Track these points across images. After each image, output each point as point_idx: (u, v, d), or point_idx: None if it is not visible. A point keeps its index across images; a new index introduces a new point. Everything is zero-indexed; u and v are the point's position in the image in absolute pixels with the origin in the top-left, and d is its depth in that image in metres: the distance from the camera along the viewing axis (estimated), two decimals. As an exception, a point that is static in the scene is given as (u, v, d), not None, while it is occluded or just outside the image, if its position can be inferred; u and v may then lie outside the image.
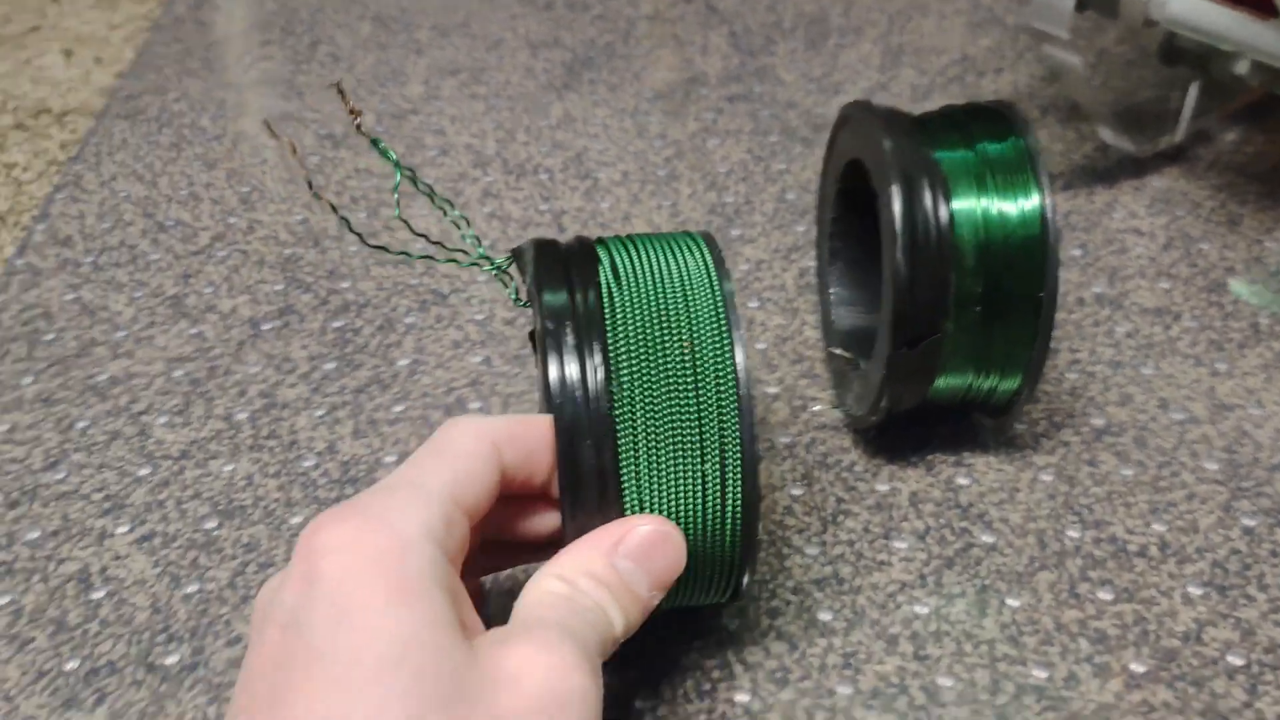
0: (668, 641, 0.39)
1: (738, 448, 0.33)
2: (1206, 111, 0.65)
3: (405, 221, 0.33)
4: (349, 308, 0.54)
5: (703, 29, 0.77)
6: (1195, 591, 0.41)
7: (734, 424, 0.33)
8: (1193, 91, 0.62)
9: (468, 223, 0.35)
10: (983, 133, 0.42)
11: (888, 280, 0.40)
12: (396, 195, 0.33)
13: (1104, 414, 0.48)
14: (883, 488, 0.45)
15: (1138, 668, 0.38)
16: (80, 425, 0.48)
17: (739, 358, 0.33)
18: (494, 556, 0.37)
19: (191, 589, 0.41)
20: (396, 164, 0.33)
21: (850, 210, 0.48)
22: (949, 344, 0.41)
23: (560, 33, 0.77)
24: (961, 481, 0.45)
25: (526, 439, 0.33)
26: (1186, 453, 0.46)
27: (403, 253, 0.35)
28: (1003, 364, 0.42)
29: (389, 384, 0.50)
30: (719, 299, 0.34)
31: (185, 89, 0.70)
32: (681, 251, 0.35)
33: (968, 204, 0.41)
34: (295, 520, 0.44)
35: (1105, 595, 0.41)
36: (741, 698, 0.38)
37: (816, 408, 0.48)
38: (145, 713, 0.37)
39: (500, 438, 0.33)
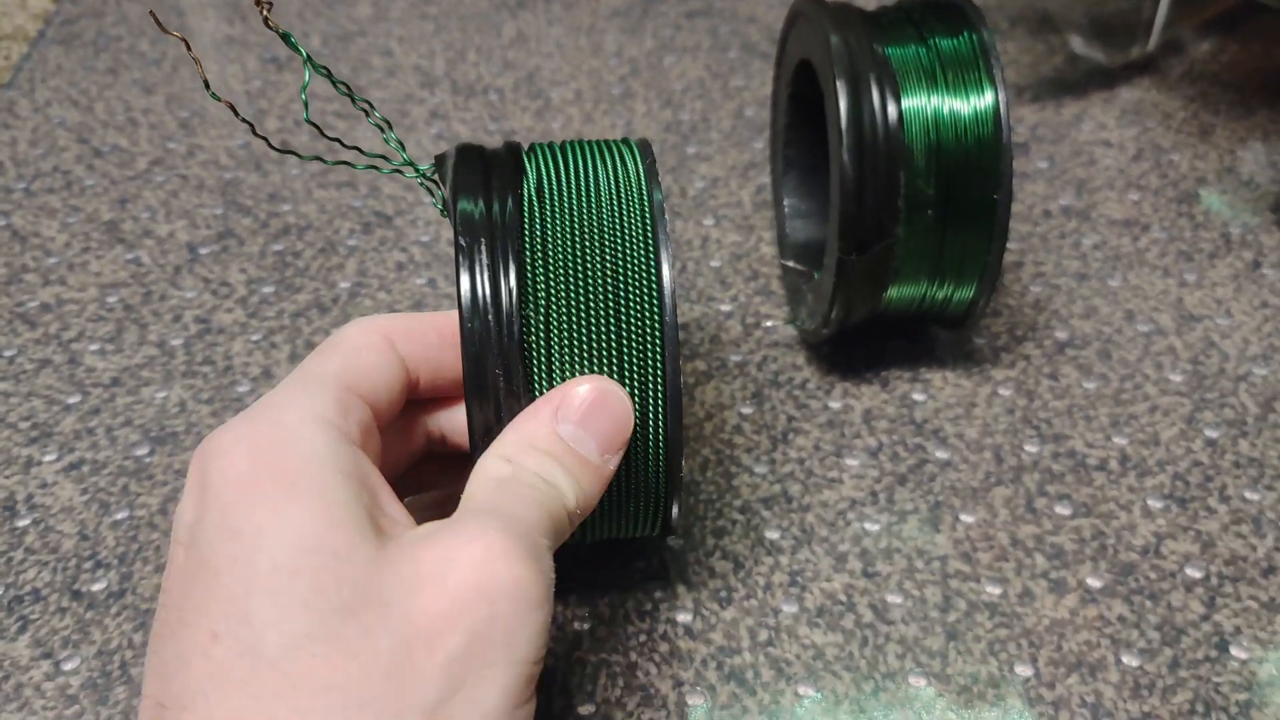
0: (608, 561, 0.38)
1: (660, 376, 0.30)
2: (1179, 21, 0.63)
3: (315, 125, 0.31)
4: (289, 230, 0.52)
5: (663, -55, 0.75)
6: (1155, 505, 0.39)
7: (657, 350, 0.30)
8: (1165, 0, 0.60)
9: (390, 126, 0.33)
10: (936, 28, 0.40)
11: (835, 182, 0.38)
12: (305, 97, 0.31)
13: (1068, 327, 0.46)
14: (835, 405, 0.43)
15: (1094, 582, 0.37)
16: (8, 354, 0.46)
17: (665, 277, 0.30)
18: (440, 472, 0.35)
19: (121, 515, 0.40)
20: (307, 59, 0.31)
21: (803, 118, 0.47)
22: (901, 250, 0.39)
23: (516, -50, 0.74)
24: (917, 397, 0.44)
25: (424, 334, 0.31)
26: (1151, 364, 0.45)
27: (316, 157, 0.33)
28: (958, 271, 0.40)
29: (329, 307, 0.48)
30: (647, 211, 0.31)
31: (124, 12, 0.68)
32: (613, 158, 0.33)
33: (918, 102, 0.39)
34: (229, 446, 0.42)
35: (1063, 510, 0.39)
36: (683, 617, 0.36)
37: (770, 324, 0.47)
38: (69, 640, 0.36)
39: (394, 330, 0.31)
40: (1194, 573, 0.37)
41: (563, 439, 0.29)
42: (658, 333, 0.30)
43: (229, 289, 0.49)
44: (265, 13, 0.30)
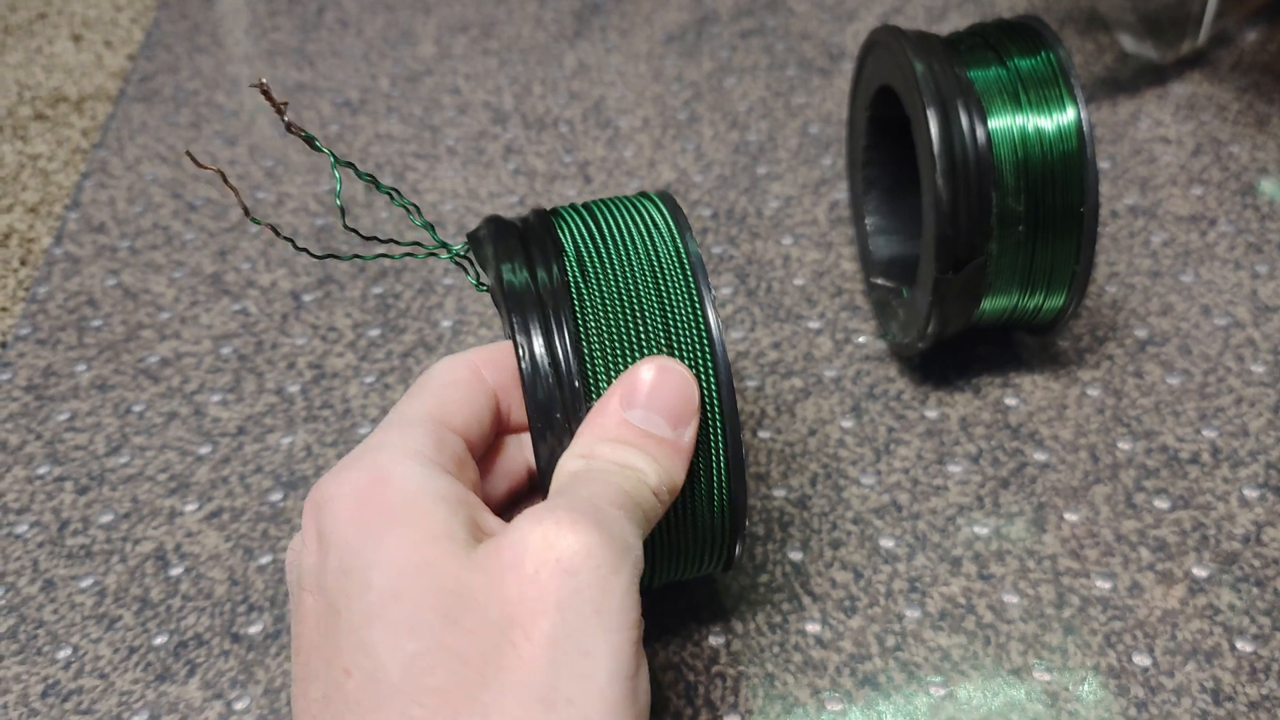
0: (736, 576, 0.40)
1: (719, 420, 0.32)
2: (1226, 13, 0.64)
3: (354, 229, 0.33)
4: (387, 273, 0.54)
5: (709, -34, 0.77)
6: (1251, 494, 0.41)
7: (714, 396, 0.32)
8: (1213, -7, 0.61)
9: (418, 210, 0.34)
10: (1014, 49, 0.42)
11: (929, 205, 0.40)
12: (339, 202, 0.32)
13: (1146, 325, 0.48)
14: (932, 414, 0.45)
15: (1200, 572, 0.39)
16: (137, 409, 0.48)
17: (713, 325, 0.32)
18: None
19: (264, 560, 0.42)
20: (334, 160, 0.32)
21: (882, 137, 0.48)
22: (994, 265, 0.41)
23: (567, -19, 0.76)
24: (1010, 402, 0.46)
25: (510, 362, 0.33)
26: (1232, 357, 0.46)
27: (356, 255, 0.34)
28: (1047, 281, 0.42)
29: (434, 346, 0.50)
30: (686, 263, 0.33)
31: (198, 66, 0.70)
32: (643, 218, 0.34)
33: (1004, 122, 0.41)
34: (357, 486, 0.44)
35: (1162, 504, 0.41)
36: (812, 628, 0.38)
37: (860, 339, 0.49)
38: (237, 680, 0.38)
39: (479, 360, 0.33)
40: (1297, 559, 0.39)
41: (633, 424, 0.30)
42: (713, 379, 0.32)
43: (337, 334, 0.51)
44: (285, 117, 0.30)
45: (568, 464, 0.30)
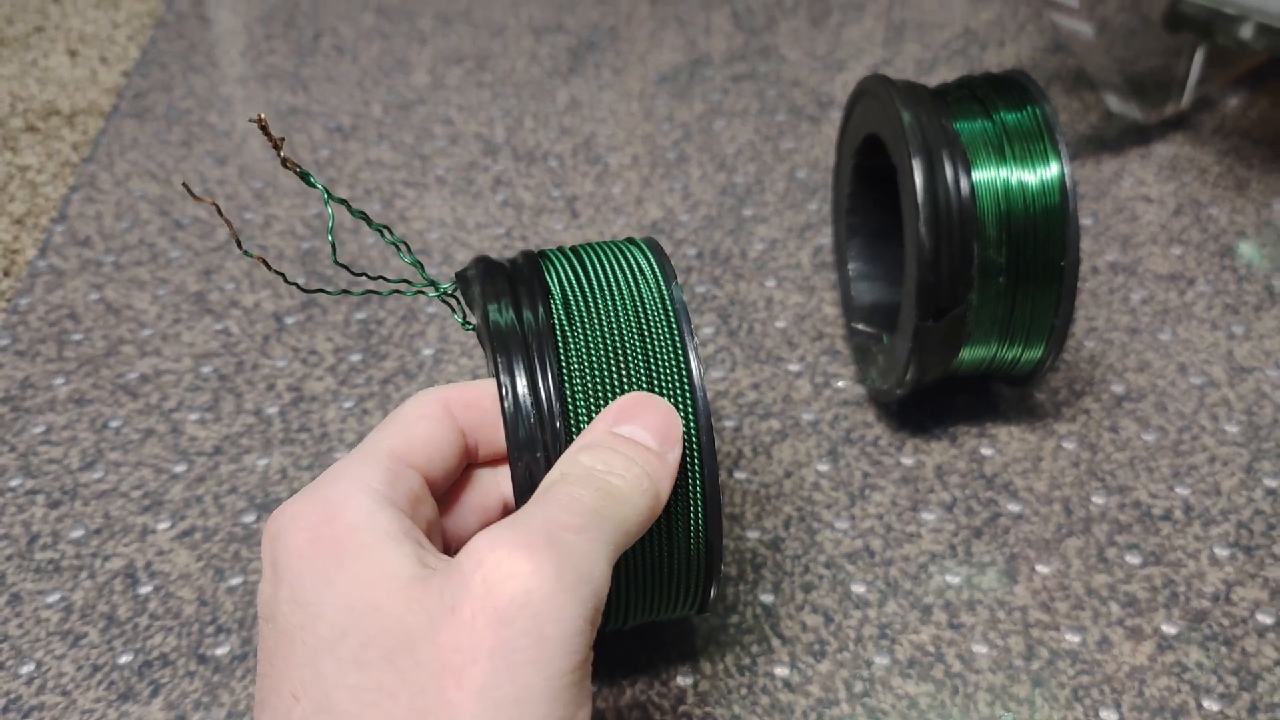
0: (703, 617, 0.40)
1: (698, 466, 0.32)
2: (1210, 78, 0.65)
3: (345, 266, 0.33)
4: (371, 299, 0.54)
5: (705, 9, 0.77)
6: (1222, 553, 0.41)
7: (694, 443, 0.32)
8: (1198, 57, 0.62)
9: (408, 248, 0.34)
10: (1000, 103, 0.43)
11: (911, 253, 0.41)
12: (331, 239, 0.32)
13: (1123, 380, 0.49)
14: (908, 461, 0.46)
15: (1169, 629, 0.39)
16: (114, 424, 0.48)
17: (695, 373, 0.32)
18: None
19: (235, 581, 0.42)
20: (327, 196, 0.31)
21: (867, 185, 0.49)
22: (974, 315, 0.42)
23: (563, 17, 0.77)
24: (985, 452, 0.46)
25: (481, 402, 0.33)
26: (1206, 416, 0.47)
27: (344, 291, 0.35)
28: (1026, 333, 0.42)
29: (415, 374, 0.50)
30: (670, 310, 0.33)
31: (191, 86, 0.70)
32: (629, 263, 0.34)
33: (988, 174, 0.41)
34: (331, 511, 0.44)
35: (1133, 559, 0.41)
36: (781, 671, 0.38)
37: (840, 383, 0.49)
38: (200, 703, 0.38)
39: (450, 398, 0.33)
40: (1265, 619, 0.39)
41: (619, 434, 0.30)
42: (693, 423, 0.32)
43: (318, 357, 0.51)
44: (281, 153, 0.30)
45: (548, 478, 0.30)
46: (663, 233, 0.58)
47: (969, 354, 0.43)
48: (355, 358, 0.51)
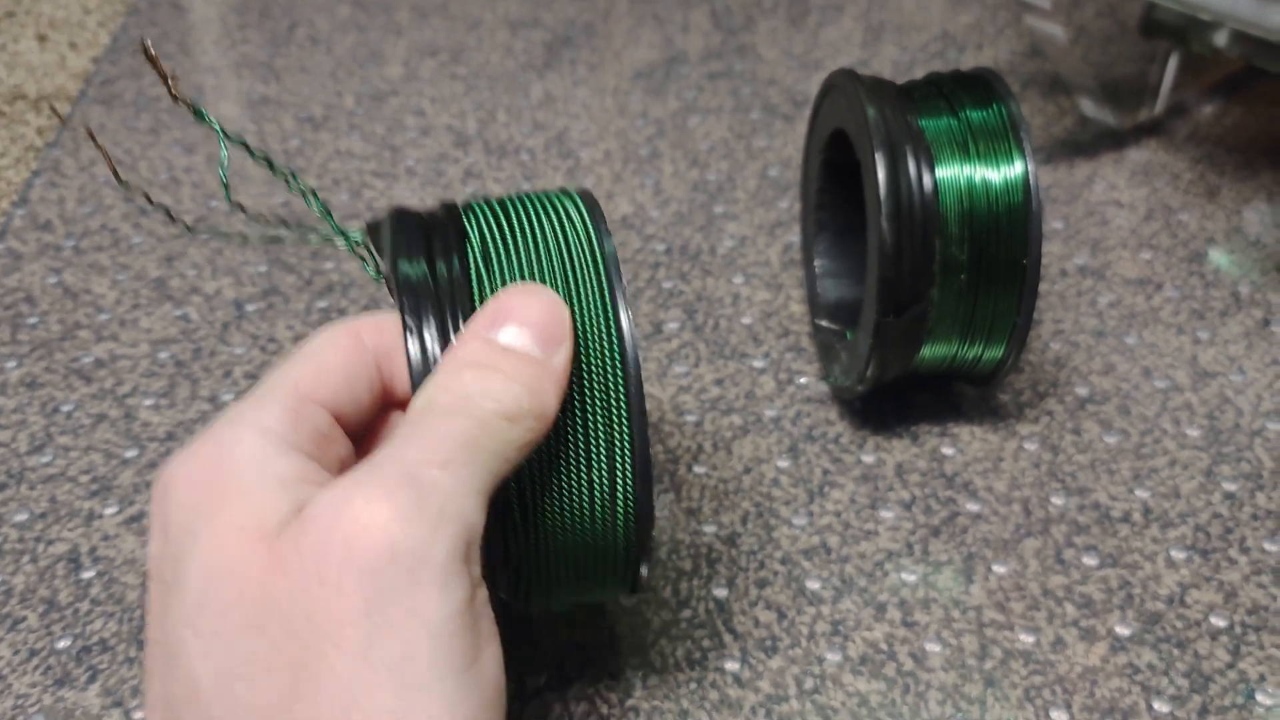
0: (657, 610, 0.39)
1: (626, 431, 0.30)
2: (1184, 85, 0.65)
3: (239, 205, 0.30)
4: (333, 288, 0.53)
5: (683, 7, 0.77)
6: (1178, 555, 0.41)
7: (622, 405, 0.30)
8: (1172, 63, 0.62)
9: (315, 194, 0.32)
10: (966, 100, 0.42)
11: (873, 248, 0.40)
12: (224, 176, 0.30)
13: (1087, 383, 0.48)
14: (869, 459, 0.45)
15: (1123, 631, 0.39)
16: (65, 409, 0.47)
17: (625, 327, 0.30)
18: None
19: (181, 568, 0.41)
20: (222, 133, 0.29)
21: (835, 181, 0.49)
22: (935, 312, 0.41)
23: (539, 12, 0.76)
24: (946, 451, 0.45)
25: (398, 328, 0.30)
26: (1169, 420, 0.46)
27: (239, 234, 0.32)
28: (987, 332, 0.42)
29: (375, 363, 0.50)
30: (600, 264, 0.30)
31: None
32: (558, 211, 0.32)
33: (951, 172, 0.41)
34: (283, 499, 0.44)
35: (1090, 561, 0.41)
36: (731, 665, 0.38)
37: (803, 380, 0.48)
38: (138, 689, 0.37)
39: (364, 326, 0.30)
40: (1218, 621, 0.39)
41: (496, 343, 0.28)
42: (621, 387, 0.30)
43: (276, 344, 0.51)
44: (173, 88, 0.29)
45: (415, 403, 0.27)
46: (633, 228, 0.57)
47: (930, 351, 0.43)
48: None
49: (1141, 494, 0.43)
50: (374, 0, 0.78)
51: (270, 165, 0.31)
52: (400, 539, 0.24)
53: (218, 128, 0.30)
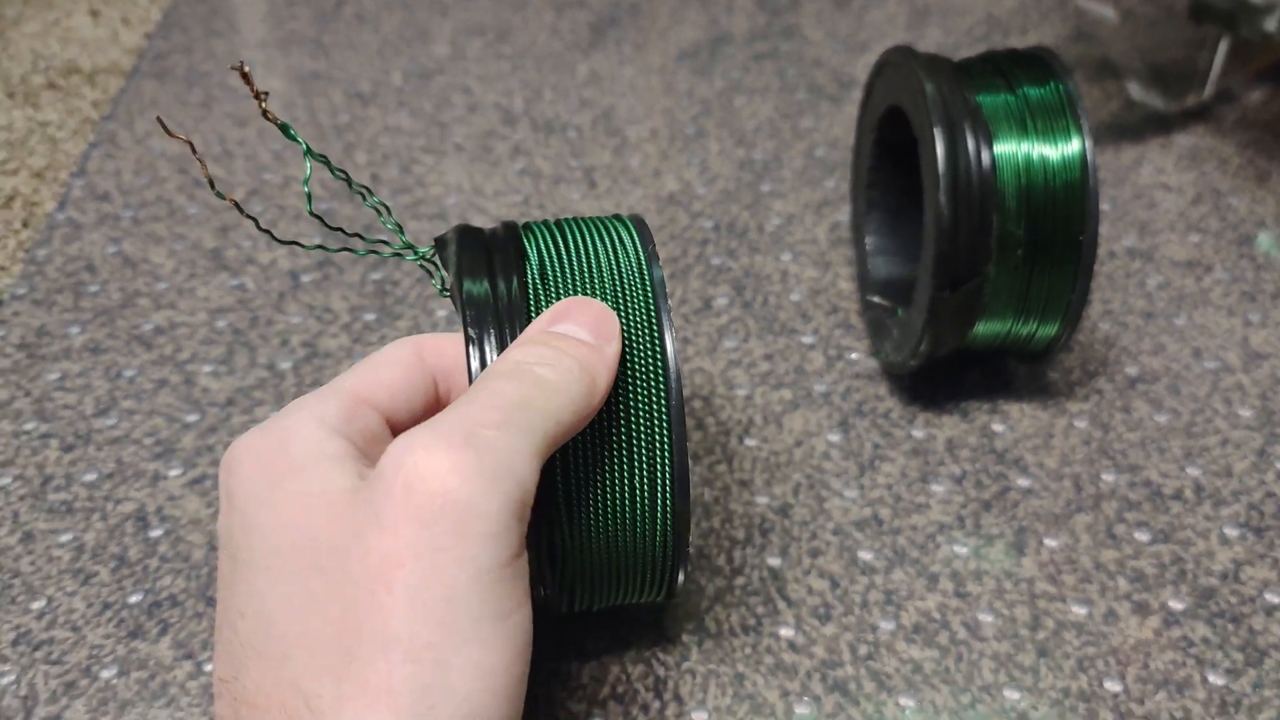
0: (709, 578, 0.40)
1: (667, 447, 0.31)
2: (1232, 70, 0.65)
3: (320, 218, 0.33)
4: (387, 261, 0.54)
5: (728, -11, 0.77)
6: (1232, 533, 0.41)
7: (664, 422, 0.31)
8: (1222, 48, 0.62)
9: (388, 210, 0.34)
10: (1023, 77, 0.43)
11: (930, 223, 0.41)
12: (307, 189, 0.32)
13: (1137, 363, 0.49)
14: (919, 434, 0.46)
15: (1176, 605, 0.39)
16: (128, 374, 0.48)
17: (669, 348, 0.32)
18: None
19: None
20: (307, 151, 0.31)
21: (887, 160, 0.49)
22: (990, 288, 0.42)
23: (586, -7, 0.77)
24: (997, 428, 0.46)
25: (456, 351, 0.33)
26: (1220, 400, 0.47)
27: (319, 246, 0.34)
28: (1042, 309, 0.42)
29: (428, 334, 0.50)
30: (649, 287, 0.33)
31: (212, 49, 0.71)
32: (611, 238, 0.34)
33: (1009, 148, 0.41)
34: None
35: (1142, 536, 0.41)
36: (786, 632, 0.38)
37: (853, 356, 0.49)
38: (208, 643, 0.38)
39: (425, 346, 0.33)
40: (1273, 598, 0.39)
41: (552, 332, 0.30)
42: (663, 404, 0.31)
43: (332, 315, 0.51)
44: (263, 104, 0.30)
45: (478, 379, 0.30)
46: (680, 205, 0.58)
47: (984, 328, 0.43)
48: (370, 317, 0.51)
49: (1193, 472, 0.44)
50: (421, -21, 0.79)
51: (348, 181, 0.33)
52: (456, 489, 0.26)
53: (304, 145, 0.32)
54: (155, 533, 0.42)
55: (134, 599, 0.39)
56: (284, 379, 0.48)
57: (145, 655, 0.38)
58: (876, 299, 0.49)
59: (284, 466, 0.28)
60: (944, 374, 0.48)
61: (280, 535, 0.27)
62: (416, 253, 0.35)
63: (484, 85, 0.68)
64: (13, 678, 0.37)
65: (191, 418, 0.46)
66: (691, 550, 0.41)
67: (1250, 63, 0.66)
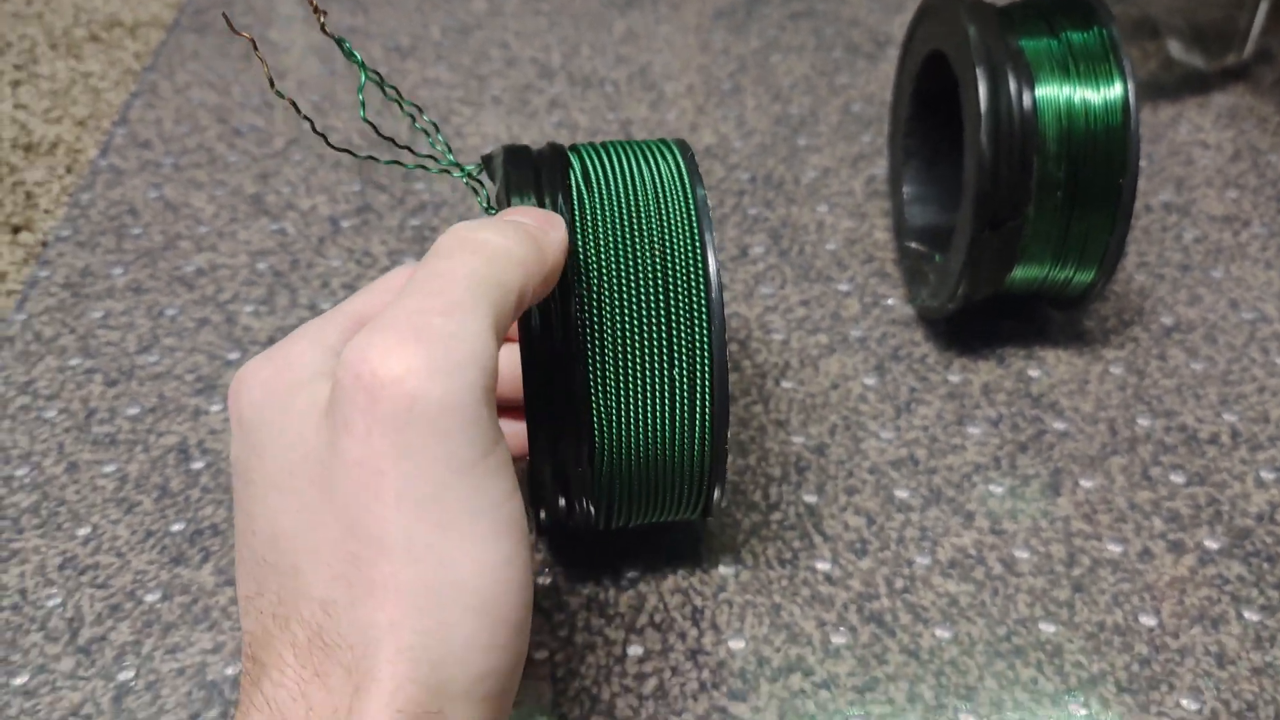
0: (745, 512, 0.40)
1: (708, 356, 0.32)
2: (1272, 30, 0.65)
3: (371, 124, 0.33)
4: (425, 207, 0.55)
5: (763, -50, 0.77)
6: (1268, 476, 0.41)
7: (705, 334, 0.32)
8: (1263, 8, 0.62)
9: (437, 129, 0.34)
10: (1066, 22, 0.43)
11: (971, 164, 0.41)
12: (361, 97, 0.33)
13: (1173, 313, 0.48)
14: (955, 378, 0.46)
15: (1211, 544, 0.39)
16: (170, 313, 0.49)
17: (711, 264, 0.32)
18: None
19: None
20: (361, 65, 0.31)
21: (925, 109, 0.49)
22: (1030, 230, 0.42)
23: (622, -48, 0.77)
24: (1032, 373, 0.46)
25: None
26: (1257, 349, 0.47)
27: (370, 156, 0.35)
28: (1080, 254, 0.42)
29: (467, 278, 0.51)
30: (691, 204, 0.33)
31: (251, 3, 0.71)
32: (655, 158, 0.35)
33: (1051, 91, 0.41)
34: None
35: (1177, 479, 0.41)
36: (822, 565, 0.39)
37: (890, 302, 0.49)
38: (250, 569, 0.38)
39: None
40: (1309, 538, 0.39)
41: (494, 215, 0.31)
42: (704, 316, 0.32)
43: (371, 259, 0.52)
44: (322, 20, 0.31)
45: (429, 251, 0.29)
46: (717, 157, 0.58)
47: (1022, 272, 0.43)
48: (410, 259, 0.52)
49: (1229, 417, 0.44)
50: (457, -62, 0.79)
51: (400, 101, 0.33)
52: (418, 390, 0.25)
53: (358, 59, 0.32)
54: (197, 465, 0.42)
55: (176, 527, 0.40)
56: (324, 320, 0.49)
57: (189, 581, 0.38)
58: (914, 245, 0.49)
59: (284, 387, 0.28)
60: (980, 320, 0.48)
61: (284, 453, 0.27)
62: (463, 169, 0.35)
63: (521, 41, 0.68)
64: (59, 600, 0.38)
65: (233, 355, 0.47)
66: (730, 481, 0.41)
67: (1291, 23, 0.66)
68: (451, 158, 0.35)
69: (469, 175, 0.35)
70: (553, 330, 0.31)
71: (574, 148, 0.35)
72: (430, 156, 0.36)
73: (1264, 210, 0.54)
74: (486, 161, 0.35)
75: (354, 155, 0.34)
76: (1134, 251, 0.52)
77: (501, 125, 0.60)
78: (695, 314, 0.32)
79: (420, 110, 0.35)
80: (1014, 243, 0.42)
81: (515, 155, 0.34)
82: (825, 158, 0.58)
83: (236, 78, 0.64)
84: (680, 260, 0.33)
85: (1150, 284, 0.50)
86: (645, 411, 0.32)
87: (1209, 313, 0.48)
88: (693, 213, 0.33)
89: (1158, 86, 0.63)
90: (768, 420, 0.44)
